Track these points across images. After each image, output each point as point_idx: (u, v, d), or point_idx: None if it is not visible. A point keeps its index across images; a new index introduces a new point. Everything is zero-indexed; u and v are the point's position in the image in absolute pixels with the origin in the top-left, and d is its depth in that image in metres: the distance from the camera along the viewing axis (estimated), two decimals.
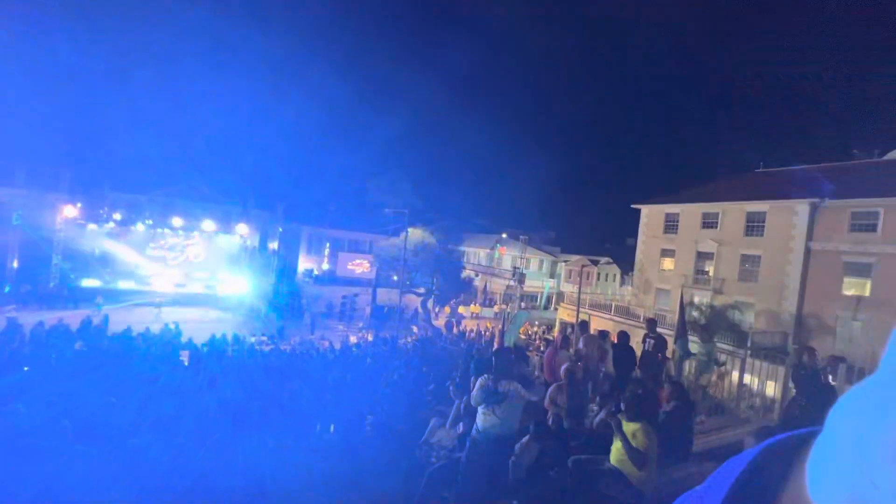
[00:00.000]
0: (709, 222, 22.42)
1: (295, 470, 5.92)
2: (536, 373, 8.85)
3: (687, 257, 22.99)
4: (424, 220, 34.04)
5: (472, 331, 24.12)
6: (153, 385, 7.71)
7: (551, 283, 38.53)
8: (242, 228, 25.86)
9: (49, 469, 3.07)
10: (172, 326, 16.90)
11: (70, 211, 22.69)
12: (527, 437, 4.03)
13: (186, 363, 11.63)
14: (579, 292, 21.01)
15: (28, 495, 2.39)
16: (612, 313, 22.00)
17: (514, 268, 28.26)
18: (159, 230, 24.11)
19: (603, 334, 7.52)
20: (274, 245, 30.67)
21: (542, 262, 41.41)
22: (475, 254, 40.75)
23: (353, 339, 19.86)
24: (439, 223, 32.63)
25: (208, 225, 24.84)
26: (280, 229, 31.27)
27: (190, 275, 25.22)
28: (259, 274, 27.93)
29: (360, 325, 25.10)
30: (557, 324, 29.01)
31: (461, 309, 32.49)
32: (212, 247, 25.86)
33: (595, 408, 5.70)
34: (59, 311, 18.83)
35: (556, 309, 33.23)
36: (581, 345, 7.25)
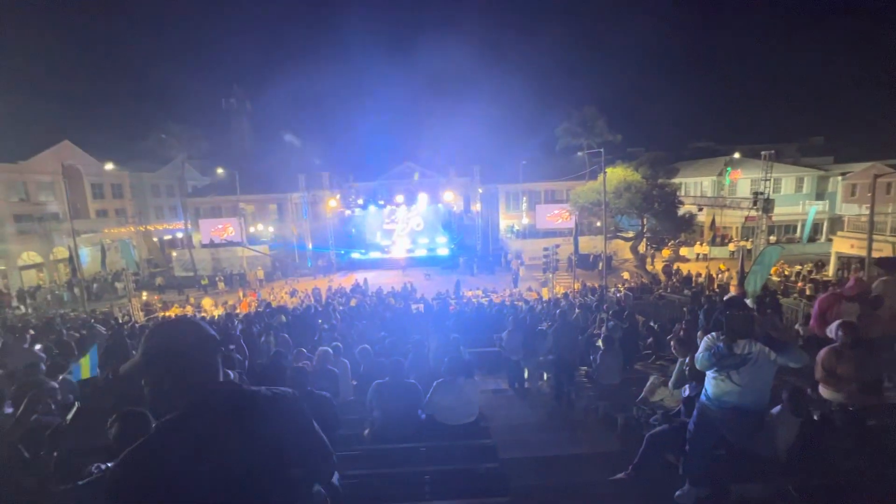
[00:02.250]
0: None
1: (510, 410, 6.43)
2: (797, 327, 6.88)
3: None
4: (625, 156, 30.37)
5: (699, 275, 20.55)
6: (401, 331, 9.58)
7: (819, 206, 28.90)
8: (449, 196, 28.86)
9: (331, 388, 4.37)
10: (409, 286, 20.69)
11: (333, 202, 29.97)
12: (779, 408, 3.15)
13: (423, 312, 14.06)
14: (872, 213, 15.00)
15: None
16: None
17: (755, 193, 22.19)
18: (389, 208, 29.37)
19: None
20: (477, 207, 33.12)
21: (800, 180, 31.35)
22: (696, 184, 34.02)
23: (558, 290, 19.87)
24: (644, 156, 28.47)
25: (423, 198, 28.81)
26: (480, 191, 33.44)
27: (415, 241, 30.04)
28: (468, 234, 31.04)
29: (564, 275, 24.81)
30: (833, 260, 21.91)
31: (683, 250, 28.15)
32: (428, 215, 30.00)
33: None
34: (338, 276, 25.66)
35: (829, 240, 25.19)
36: (881, 290, 5.13)
